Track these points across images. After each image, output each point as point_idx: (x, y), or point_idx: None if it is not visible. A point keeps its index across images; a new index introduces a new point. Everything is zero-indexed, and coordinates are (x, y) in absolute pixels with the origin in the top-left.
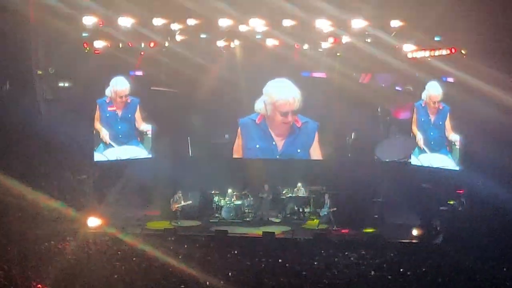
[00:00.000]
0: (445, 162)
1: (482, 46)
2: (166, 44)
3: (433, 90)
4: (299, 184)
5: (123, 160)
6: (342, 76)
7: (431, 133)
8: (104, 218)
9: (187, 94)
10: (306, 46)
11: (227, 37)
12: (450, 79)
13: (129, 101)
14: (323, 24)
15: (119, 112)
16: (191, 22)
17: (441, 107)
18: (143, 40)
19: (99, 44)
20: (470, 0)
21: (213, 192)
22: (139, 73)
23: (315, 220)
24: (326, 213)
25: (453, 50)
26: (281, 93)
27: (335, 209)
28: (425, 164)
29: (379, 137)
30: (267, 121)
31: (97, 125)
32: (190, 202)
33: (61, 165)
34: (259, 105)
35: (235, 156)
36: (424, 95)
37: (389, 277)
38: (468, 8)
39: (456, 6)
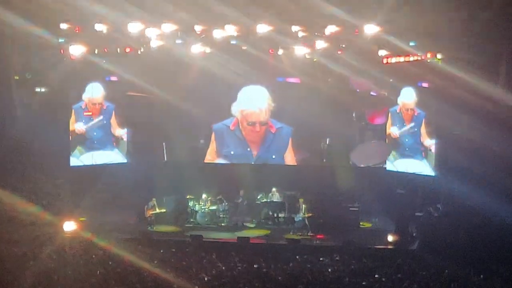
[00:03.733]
0: (421, 167)
1: (457, 52)
2: (141, 50)
3: (407, 97)
4: (274, 189)
5: (98, 165)
6: (317, 82)
7: (406, 139)
8: (80, 223)
9: (163, 99)
10: (280, 52)
11: (202, 43)
12: (425, 85)
13: (104, 107)
14: (298, 30)
15: (95, 118)
16: (166, 27)
17: (416, 114)
18: (119, 45)
19: (75, 49)
20: (445, 6)
21: (188, 197)
22: (114, 78)
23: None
24: (300, 218)
25: (428, 56)
26: (249, 103)
27: (310, 215)
28: (400, 170)
29: (354, 143)
30: (240, 127)
31: (73, 129)
32: (164, 210)
33: (37, 169)
34: (233, 109)
35: (208, 162)
36: (399, 101)
37: (364, 283)
38: (443, 14)
39: (431, 11)
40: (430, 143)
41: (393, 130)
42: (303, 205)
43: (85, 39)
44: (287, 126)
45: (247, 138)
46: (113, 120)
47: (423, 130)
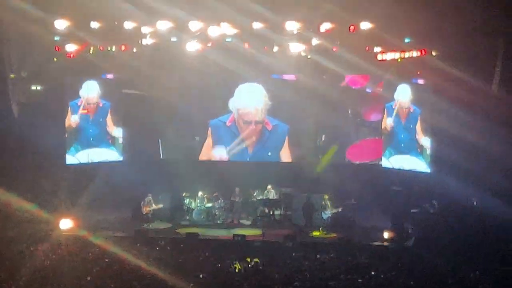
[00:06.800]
0: (416, 164)
1: (452, 49)
2: (136, 48)
3: (402, 95)
4: (269, 186)
5: (94, 163)
6: (312, 79)
7: (402, 136)
8: (76, 221)
9: (158, 97)
10: (275, 49)
11: (197, 40)
12: (421, 81)
13: (101, 105)
14: (293, 27)
15: (91, 116)
16: (161, 25)
17: (411, 110)
18: (114, 43)
19: (71, 47)
20: (440, 3)
21: (184, 194)
22: (110, 76)
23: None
24: (330, 214)
25: (423, 52)
26: (245, 102)
27: (340, 209)
28: (396, 167)
29: (349, 139)
30: (236, 123)
31: (69, 124)
32: (161, 206)
33: (33, 167)
34: (231, 105)
35: (203, 158)
36: (395, 97)
37: (360, 280)
38: (438, 11)
39: (425, 8)
40: (425, 140)
41: (389, 122)
42: (328, 202)
43: (80, 36)
44: (283, 124)
45: (243, 134)
46: (109, 119)
47: (418, 127)
